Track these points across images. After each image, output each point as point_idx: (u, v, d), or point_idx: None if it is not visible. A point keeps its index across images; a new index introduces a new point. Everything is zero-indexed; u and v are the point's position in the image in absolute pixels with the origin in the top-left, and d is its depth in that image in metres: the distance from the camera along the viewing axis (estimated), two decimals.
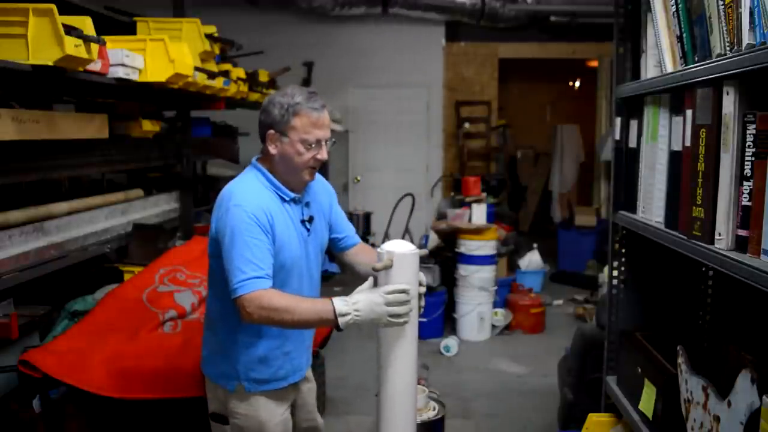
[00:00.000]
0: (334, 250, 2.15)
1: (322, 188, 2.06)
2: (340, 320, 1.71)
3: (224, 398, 1.96)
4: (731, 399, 1.40)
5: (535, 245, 6.13)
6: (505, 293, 5.44)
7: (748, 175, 1.34)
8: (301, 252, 1.92)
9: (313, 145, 1.84)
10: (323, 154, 1.88)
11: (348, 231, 2.13)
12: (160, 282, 2.70)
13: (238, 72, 3.92)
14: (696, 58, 1.60)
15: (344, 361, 4.38)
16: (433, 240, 5.42)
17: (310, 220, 1.96)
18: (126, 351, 2.32)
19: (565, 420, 3.13)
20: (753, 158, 1.33)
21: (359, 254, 2.11)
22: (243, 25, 5.71)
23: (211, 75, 3.31)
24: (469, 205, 5.24)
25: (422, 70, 7.47)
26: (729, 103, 1.40)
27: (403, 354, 1.87)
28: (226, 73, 3.62)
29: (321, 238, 2.02)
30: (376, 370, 1.92)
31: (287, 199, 1.89)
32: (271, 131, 1.84)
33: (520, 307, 5.27)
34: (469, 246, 5.01)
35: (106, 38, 2.38)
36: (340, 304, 1.72)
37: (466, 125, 7.67)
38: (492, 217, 5.43)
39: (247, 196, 1.81)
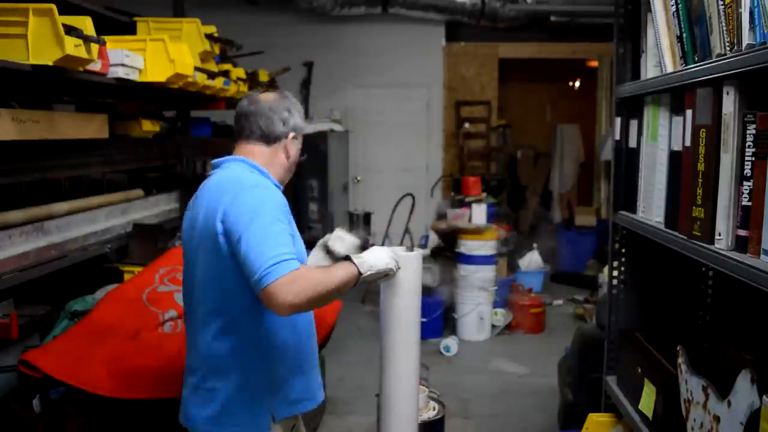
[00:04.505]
0: None
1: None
2: (357, 261, 1.71)
3: None
4: (731, 399, 1.40)
5: (535, 245, 6.13)
6: (505, 293, 5.44)
7: (748, 175, 1.34)
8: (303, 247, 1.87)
9: None
10: None
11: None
12: (160, 282, 2.70)
13: (238, 72, 3.92)
14: (696, 58, 1.60)
15: (344, 361, 4.38)
16: (433, 240, 5.42)
17: None
18: (126, 351, 2.31)
19: (565, 420, 3.13)
20: (753, 158, 1.33)
21: None
22: (243, 25, 5.72)
23: (211, 75, 3.31)
24: (469, 205, 5.25)
25: (422, 70, 7.46)
26: (729, 103, 1.40)
27: (406, 355, 1.88)
28: (226, 73, 3.62)
29: None
30: (378, 370, 1.92)
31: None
32: (293, 134, 1.83)
33: (520, 307, 5.27)
34: (469, 246, 5.01)
35: (106, 38, 2.38)
36: (354, 257, 1.74)
37: (466, 125, 7.67)
38: (492, 217, 5.43)
39: (261, 180, 1.72)
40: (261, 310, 1.68)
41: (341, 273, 1.68)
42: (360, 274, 1.71)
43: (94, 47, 2.20)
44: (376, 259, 1.76)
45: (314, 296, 1.57)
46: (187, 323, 1.84)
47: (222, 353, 1.72)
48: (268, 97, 1.82)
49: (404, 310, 1.90)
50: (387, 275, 1.81)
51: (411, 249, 2.00)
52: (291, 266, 1.55)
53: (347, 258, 1.74)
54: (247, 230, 1.58)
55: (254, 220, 1.59)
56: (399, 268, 1.85)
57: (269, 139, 1.80)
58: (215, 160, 1.84)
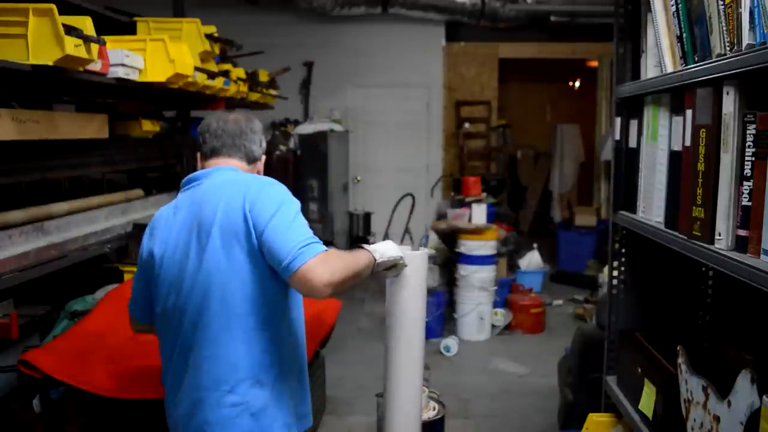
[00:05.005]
0: None
1: None
2: (370, 249, 1.77)
3: None
4: (731, 399, 1.40)
5: (535, 245, 6.13)
6: (505, 293, 5.44)
7: (748, 175, 1.34)
8: None
9: None
10: None
11: None
12: None
13: (238, 72, 3.92)
14: (696, 58, 1.60)
15: (344, 361, 4.38)
16: (433, 240, 5.42)
17: None
18: (126, 351, 2.32)
19: (565, 420, 3.13)
20: (753, 158, 1.33)
21: None
22: (243, 25, 5.72)
23: (211, 75, 3.31)
24: (469, 205, 5.24)
25: (422, 70, 7.47)
26: (729, 103, 1.40)
27: (410, 353, 1.89)
28: (226, 73, 3.62)
29: None
30: (379, 369, 1.92)
31: None
32: (263, 156, 1.93)
33: (520, 307, 5.26)
34: (469, 246, 5.01)
35: (106, 38, 2.38)
36: (366, 246, 1.79)
37: (466, 125, 7.67)
38: (492, 217, 5.43)
39: (273, 180, 1.75)
40: (286, 304, 1.70)
41: (362, 256, 1.72)
42: (375, 260, 1.75)
43: (94, 47, 2.20)
44: (386, 248, 1.82)
45: (346, 276, 1.58)
46: (177, 341, 1.71)
47: (255, 357, 1.64)
48: (240, 118, 1.85)
49: (409, 308, 1.92)
50: (396, 265, 1.85)
51: (416, 249, 2.03)
52: (321, 248, 1.57)
53: (360, 247, 1.77)
54: (274, 219, 1.58)
55: (280, 209, 1.61)
56: (406, 265, 1.88)
57: (250, 159, 1.85)
58: (199, 172, 1.80)
